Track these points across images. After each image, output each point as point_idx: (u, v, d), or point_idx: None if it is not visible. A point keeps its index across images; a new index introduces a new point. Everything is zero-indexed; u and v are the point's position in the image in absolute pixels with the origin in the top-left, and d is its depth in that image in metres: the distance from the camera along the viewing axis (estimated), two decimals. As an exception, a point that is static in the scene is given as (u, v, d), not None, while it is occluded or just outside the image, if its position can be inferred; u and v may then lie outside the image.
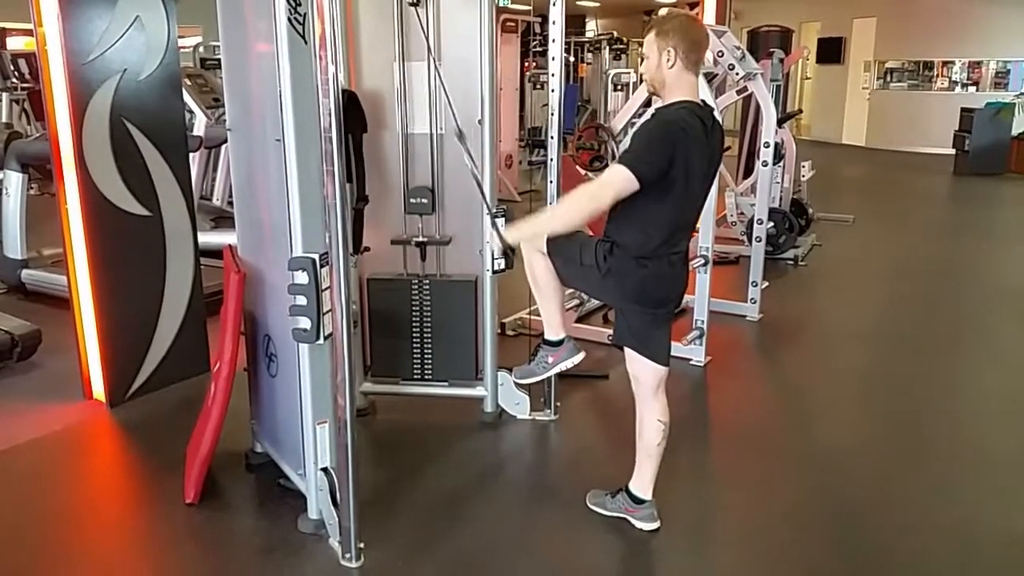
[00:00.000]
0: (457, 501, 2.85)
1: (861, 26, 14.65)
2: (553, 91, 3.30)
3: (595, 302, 4.76)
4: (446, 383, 3.49)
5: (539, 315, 2.72)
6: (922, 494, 2.98)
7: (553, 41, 3.23)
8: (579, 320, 4.57)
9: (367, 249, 3.31)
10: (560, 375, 3.00)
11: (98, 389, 3.57)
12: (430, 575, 2.47)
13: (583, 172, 5.00)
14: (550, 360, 2.68)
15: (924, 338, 4.72)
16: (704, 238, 4.12)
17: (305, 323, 2.34)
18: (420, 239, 3.34)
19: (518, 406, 3.46)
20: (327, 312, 2.32)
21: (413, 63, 3.22)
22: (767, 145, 4.86)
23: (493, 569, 2.51)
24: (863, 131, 14.78)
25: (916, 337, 4.74)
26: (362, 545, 2.44)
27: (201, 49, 9.01)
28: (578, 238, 2.50)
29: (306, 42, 2.25)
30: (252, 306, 2.87)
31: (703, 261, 4.10)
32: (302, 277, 2.31)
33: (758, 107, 6.51)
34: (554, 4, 3.18)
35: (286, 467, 2.80)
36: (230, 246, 2.92)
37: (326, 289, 2.30)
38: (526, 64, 11.69)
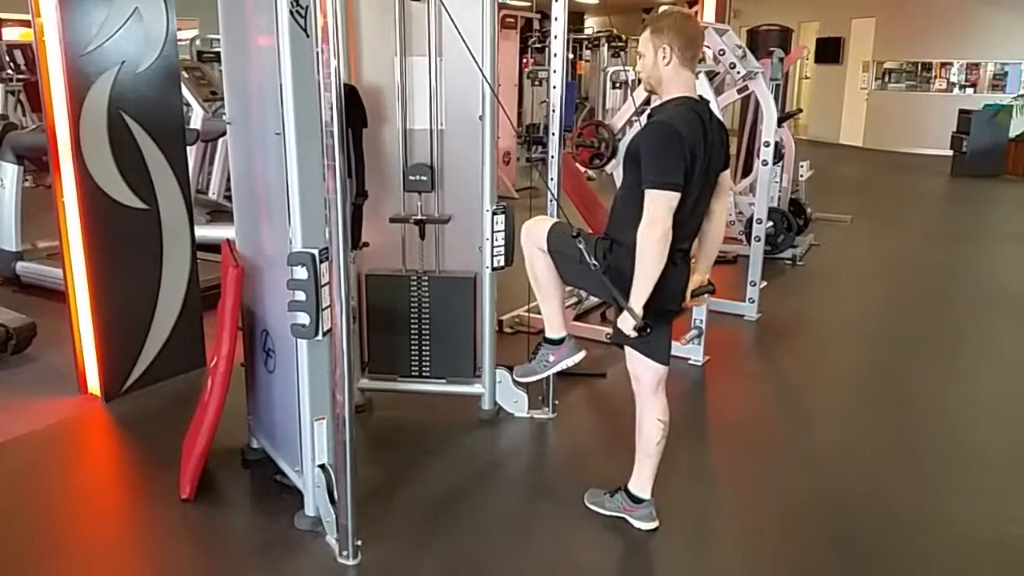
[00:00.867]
0: (455, 499, 2.84)
1: (860, 26, 14.66)
2: (555, 87, 3.28)
3: (593, 300, 4.76)
4: (444, 380, 3.48)
5: (538, 313, 2.71)
6: (920, 493, 2.98)
7: (555, 37, 3.21)
8: (577, 318, 4.56)
9: (366, 245, 3.29)
10: (558, 373, 2.99)
11: (93, 383, 3.55)
12: (427, 573, 2.45)
13: (583, 169, 4.99)
14: (551, 358, 2.67)
15: (921, 338, 4.73)
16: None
17: (304, 319, 2.33)
18: (419, 217, 3.30)
19: (516, 404, 3.45)
20: (326, 308, 2.30)
21: (414, 58, 3.20)
22: (767, 144, 4.85)
23: (491, 567, 2.50)
24: (861, 131, 14.79)
25: (913, 337, 4.75)
26: (359, 542, 2.43)
27: (198, 42, 8.98)
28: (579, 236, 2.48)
29: (308, 35, 2.23)
30: (250, 301, 2.85)
31: (703, 260, 4.09)
32: (301, 272, 2.29)
33: (757, 106, 6.52)
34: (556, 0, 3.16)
35: (283, 463, 2.79)
36: (228, 240, 2.90)
37: (325, 285, 2.29)
38: (524, 61, 11.67)
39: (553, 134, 3.31)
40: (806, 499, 2.93)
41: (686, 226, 2.40)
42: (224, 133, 5.38)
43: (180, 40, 5.32)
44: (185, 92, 5.30)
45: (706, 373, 4.06)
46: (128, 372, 3.58)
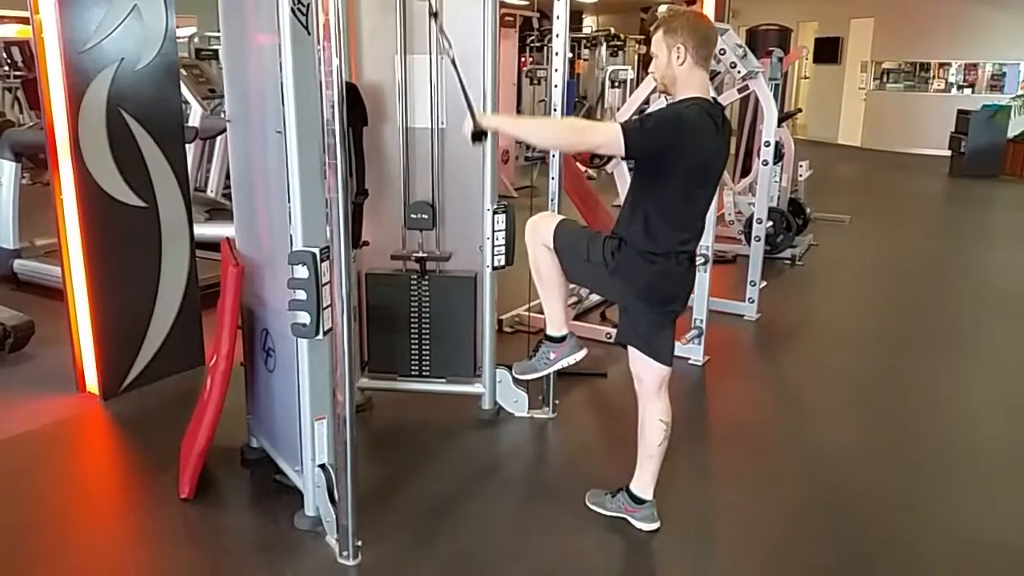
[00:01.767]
0: (455, 499, 2.83)
1: (858, 26, 14.67)
2: (556, 86, 3.26)
3: (593, 299, 4.75)
4: (444, 380, 3.47)
5: (538, 312, 2.70)
6: (919, 493, 2.97)
7: (556, 36, 3.20)
8: (577, 317, 4.55)
9: (366, 243, 3.28)
10: (558, 373, 2.99)
11: (92, 382, 3.53)
12: (427, 573, 2.44)
13: (583, 169, 4.98)
14: (552, 356, 2.65)
15: (920, 338, 4.73)
16: (705, 237, 4.09)
17: (304, 318, 2.31)
18: (420, 255, 3.32)
19: (516, 403, 3.44)
20: (327, 307, 2.29)
21: (415, 56, 3.19)
22: (767, 144, 4.84)
23: (491, 568, 2.49)
24: (859, 131, 14.81)
25: (912, 337, 4.74)
26: (359, 542, 2.41)
27: (196, 40, 8.95)
28: (586, 234, 2.47)
29: (309, 33, 2.22)
30: (250, 300, 2.84)
31: (703, 260, 4.09)
32: (302, 271, 2.28)
33: (756, 106, 6.52)
34: (558, -1, 3.15)
35: (283, 463, 2.78)
36: (228, 239, 2.89)
37: (326, 284, 2.27)
38: (522, 60, 11.65)
39: (554, 133, 3.30)
40: (806, 499, 2.93)
41: (689, 226, 2.39)
42: (223, 131, 5.38)
43: (179, 38, 5.31)
44: (184, 90, 5.28)
45: (706, 373, 4.06)
46: (126, 371, 3.56)
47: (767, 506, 2.87)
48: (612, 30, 13.78)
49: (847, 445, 3.37)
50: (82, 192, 3.34)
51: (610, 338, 3.98)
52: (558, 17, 3.17)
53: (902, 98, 14.10)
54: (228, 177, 4.43)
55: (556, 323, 2.63)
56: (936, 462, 3.25)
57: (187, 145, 4.29)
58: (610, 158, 4.41)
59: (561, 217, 2.66)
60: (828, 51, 15.23)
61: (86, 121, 3.31)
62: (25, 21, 3.34)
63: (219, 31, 2.86)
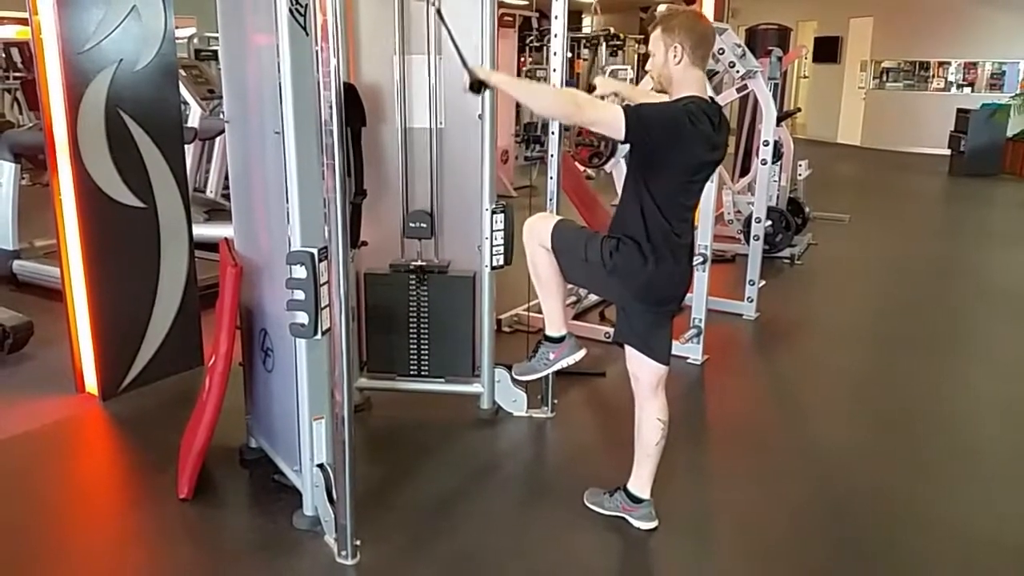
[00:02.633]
0: (454, 498, 2.84)
1: (858, 25, 14.67)
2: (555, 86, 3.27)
3: (592, 299, 4.75)
4: (443, 379, 3.47)
5: (537, 312, 2.70)
6: (919, 492, 2.97)
7: (555, 36, 3.20)
8: (576, 317, 4.55)
9: (364, 243, 3.28)
10: (557, 372, 2.98)
11: (90, 382, 3.54)
12: (426, 572, 2.45)
13: (582, 168, 4.98)
14: (551, 356, 2.65)
15: (919, 337, 4.73)
16: (703, 236, 4.10)
17: (303, 318, 2.32)
18: (419, 263, 3.33)
19: (515, 403, 3.44)
20: (325, 307, 2.29)
21: (413, 56, 3.19)
22: (766, 143, 4.84)
23: (489, 567, 2.49)
24: (858, 131, 14.80)
25: (911, 336, 4.74)
26: (358, 542, 2.42)
27: (195, 40, 8.95)
28: (583, 234, 2.47)
29: (307, 33, 2.22)
30: (248, 300, 2.84)
31: (702, 259, 4.10)
32: (300, 271, 2.29)
33: (755, 105, 6.52)
34: (556, -1, 3.16)
35: (281, 463, 2.78)
36: (227, 239, 2.89)
37: (324, 284, 2.28)
38: (521, 60, 11.66)
39: (552, 133, 3.30)
40: (805, 498, 2.93)
41: (683, 218, 2.39)
42: (222, 131, 5.38)
43: (178, 38, 5.31)
44: (183, 90, 5.29)
45: (705, 372, 4.06)
46: (125, 371, 3.57)
47: (765, 505, 2.87)
48: (611, 29, 13.78)
49: (846, 444, 3.37)
50: (81, 193, 3.35)
51: (609, 338, 3.98)
52: (556, 17, 3.17)
53: (901, 97, 14.10)
54: (227, 178, 4.44)
55: (555, 323, 2.63)
56: (936, 461, 3.25)
57: (186, 146, 4.29)
58: (609, 158, 4.40)
59: (559, 218, 2.66)
60: (827, 50, 15.23)
61: (85, 122, 3.32)
62: (24, 22, 3.34)
63: (218, 32, 2.87)
